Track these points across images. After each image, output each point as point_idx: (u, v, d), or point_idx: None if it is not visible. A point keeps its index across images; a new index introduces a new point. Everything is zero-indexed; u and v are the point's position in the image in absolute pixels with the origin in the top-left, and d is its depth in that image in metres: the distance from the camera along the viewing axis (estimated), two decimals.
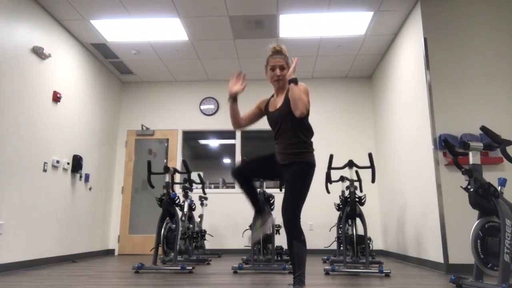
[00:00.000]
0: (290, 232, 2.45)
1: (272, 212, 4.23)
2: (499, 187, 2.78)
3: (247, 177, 2.61)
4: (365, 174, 6.05)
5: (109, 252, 6.34)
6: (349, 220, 4.45)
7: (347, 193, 5.01)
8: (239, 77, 2.64)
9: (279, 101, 2.62)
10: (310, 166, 2.48)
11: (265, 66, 2.63)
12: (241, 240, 6.31)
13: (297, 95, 2.38)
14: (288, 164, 2.51)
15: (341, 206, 4.78)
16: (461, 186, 2.99)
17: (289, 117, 2.49)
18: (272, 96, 2.74)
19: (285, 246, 5.82)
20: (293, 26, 5.11)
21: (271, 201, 4.41)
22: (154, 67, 6.41)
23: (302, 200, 2.45)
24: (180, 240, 4.31)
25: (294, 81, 2.43)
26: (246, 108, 7.07)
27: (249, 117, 2.70)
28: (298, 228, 2.44)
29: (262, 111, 2.75)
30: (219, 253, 5.93)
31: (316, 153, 6.42)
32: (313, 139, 2.66)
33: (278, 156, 2.61)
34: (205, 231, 5.56)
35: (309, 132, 2.58)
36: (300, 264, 2.45)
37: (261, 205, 2.71)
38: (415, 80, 4.59)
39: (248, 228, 6.05)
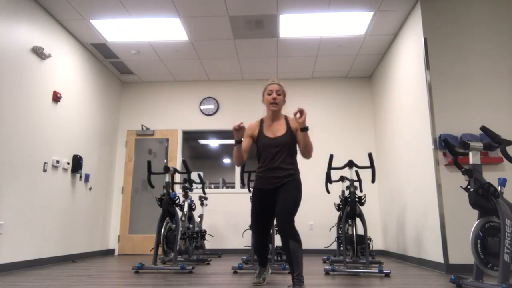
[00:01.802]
0: (287, 232, 2.58)
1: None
2: (499, 187, 2.78)
3: (266, 232, 2.97)
4: (365, 174, 6.05)
5: (109, 252, 6.34)
6: (349, 220, 4.45)
7: (347, 193, 5.01)
8: (239, 127, 2.83)
9: (279, 129, 2.85)
10: (300, 184, 2.79)
11: (262, 93, 2.95)
12: (241, 240, 6.31)
13: (309, 143, 2.72)
14: (283, 184, 2.75)
15: (341, 206, 4.78)
16: (461, 186, 2.99)
17: (290, 147, 2.82)
18: (262, 120, 2.94)
19: None
20: (293, 26, 5.11)
21: None
22: (154, 67, 6.41)
23: (297, 205, 2.70)
24: (180, 240, 4.31)
25: (307, 129, 2.69)
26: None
27: (246, 150, 2.87)
28: (294, 228, 2.61)
29: (253, 138, 2.92)
30: (219, 253, 5.93)
31: (316, 153, 6.45)
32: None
33: (270, 181, 2.80)
34: (205, 231, 5.56)
35: (296, 156, 2.90)
36: (298, 264, 2.53)
37: (267, 260, 3.14)
38: (415, 80, 4.59)
39: (248, 228, 6.05)
